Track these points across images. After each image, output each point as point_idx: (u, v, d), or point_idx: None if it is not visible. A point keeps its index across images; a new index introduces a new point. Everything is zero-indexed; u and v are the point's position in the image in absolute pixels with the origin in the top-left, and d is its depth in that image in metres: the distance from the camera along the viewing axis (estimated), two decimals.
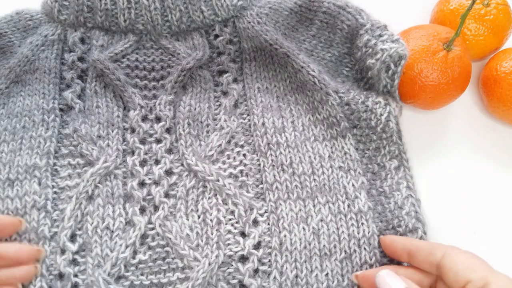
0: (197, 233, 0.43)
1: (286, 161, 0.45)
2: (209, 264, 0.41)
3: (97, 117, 0.47)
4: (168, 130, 0.47)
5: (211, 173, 0.45)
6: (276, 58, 0.49)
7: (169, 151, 0.47)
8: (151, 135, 0.47)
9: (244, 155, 0.46)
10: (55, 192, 0.44)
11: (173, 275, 0.42)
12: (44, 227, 0.43)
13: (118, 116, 0.47)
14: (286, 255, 0.42)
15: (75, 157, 0.46)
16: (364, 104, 0.46)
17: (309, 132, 0.47)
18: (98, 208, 0.43)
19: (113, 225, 0.43)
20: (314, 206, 0.44)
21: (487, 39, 0.49)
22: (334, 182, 0.44)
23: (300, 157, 0.45)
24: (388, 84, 0.46)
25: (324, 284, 0.41)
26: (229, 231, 0.43)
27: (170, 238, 0.42)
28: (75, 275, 0.41)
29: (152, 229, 0.43)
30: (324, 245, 0.42)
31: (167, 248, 0.43)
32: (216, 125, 0.48)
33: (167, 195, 0.45)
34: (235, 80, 0.50)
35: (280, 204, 0.44)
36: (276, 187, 0.44)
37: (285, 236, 0.43)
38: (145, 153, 0.46)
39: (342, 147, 0.46)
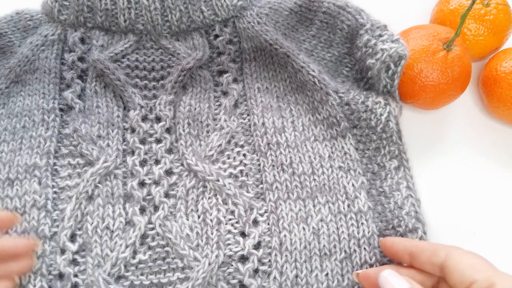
0: (197, 233, 0.43)
1: (286, 161, 0.45)
2: (209, 264, 0.41)
3: (97, 117, 0.47)
4: (168, 130, 0.47)
5: (211, 173, 0.45)
6: (276, 58, 0.49)
7: (169, 151, 0.47)
8: (151, 135, 0.47)
9: (244, 155, 0.46)
10: (55, 192, 0.44)
11: (173, 275, 0.42)
12: (45, 226, 0.43)
13: (118, 116, 0.47)
14: (286, 255, 0.42)
15: (75, 157, 0.46)
16: (364, 104, 0.46)
17: (309, 132, 0.47)
18: (98, 208, 0.43)
19: (113, 225, 0.43)
20: (314, 206, 0.44)
21: (487, 39, 0.49)
22: (334, 182, 0.44)
23: (300, 157, 0.45)
24: (388, 84, 0.46)
25: (324, 284, 0.41)
26: (229, 231, 0.43)
27: (170, 238, 0.42)
28: (75, 275, 0.41)
29: (152, 229, 0.43)
30: (324, 245, 0.42)
31: (167, 248, 0.43)
32: (216, 125, 0.48)
33: (167, 195, 0.45)
34: (235, 80, 0.50)
35: (280, 204, 0.44)
36: (276, 187, 0.44)
37: (285, 236, 0.43)
38: (145, 153, 0.46)
39: (342, 147, 0.46)
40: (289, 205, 0.44)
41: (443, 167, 0.48)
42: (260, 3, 0.50)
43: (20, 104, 0.47)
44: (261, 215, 0.44)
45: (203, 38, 0.50)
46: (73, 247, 0.42)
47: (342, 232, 0.43)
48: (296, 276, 0.42)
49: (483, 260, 0.35)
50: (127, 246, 0.42)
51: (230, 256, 0.42)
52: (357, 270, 0.42)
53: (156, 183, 0.45)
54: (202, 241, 0.43)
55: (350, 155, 0.46)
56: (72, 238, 0.43)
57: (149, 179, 0.45)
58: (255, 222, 0.44)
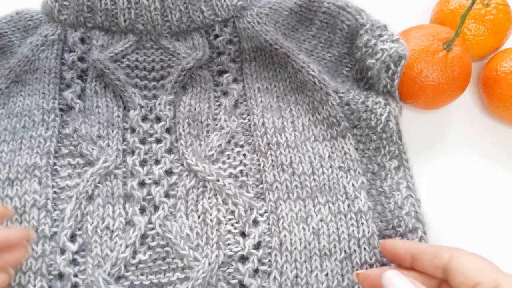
0: (197, 233, 0.43)
1: (286, 161, 0.45)
2: (209, 264, 0.41)
3: (97, 117, 0.47)
4: (168, 130, 0.47)
5: (211, 173, 0.45)
6: (276, 58, 0.49)
7: (169, 151, 0.47)
8: (151, 135, 0.47)
9: (244, 155, 0.46)
10: (55, 192, 0.44)
11: (173, 275, 0.42)
12: (45, 226, 0.43)
13: (118, 116, 0.47)
14: (286, 255, 0.42)
15: (75, 157, 0.46)
16: (364, 104, 0.46)
17: (309, 132, 0.47)
18: (98, 208, 0.43)
19: (113, 225, 0.43)
20: (314, 206, 0.44)
21: (487, 39, 0.49)
22: (334, 182, 0.44)
23: (300, 157, 0.45)
24: (388, 84, 0.46)
25: (324, 284, 0.41)
26: (229, 231, 0.43)
27: (170, 238, 0.42)
28: (75, 275, 0.41)
29: (152, 229, 0.43)
30: (324, 245, 0.42)
31: (167, 248, 0.43)
32: (216, 125, 0.48)
33: (167, 195, 0.45)
34: (235, 80, 0.50)
35: (280, 204, 0.44)
36: (276, 187, 0.44)
37: (285, 236, 0.43)
38: (145, 153, 0.46)
39: (342, 147, 0.46)
40: (289, 205, 0.44)
41: (443, 167, 0.48)
42: (260, 3, 0.50)
43: (20, 104, 0.47)
44: (261, 215, 0.44)
45: (203, 38, 0.50)
46: (73, 247, 0.42)
47: (342, 232, 0.43)
48: (296, 276, 0.42)
49: (487, 262, 0.34)
50: (127, 246, 0.42)
51: (230, 256, 0.42)
52: (357, 270, 0.41)
53: (156, 183, 0.45)
54: (202, 241, 0.43)
55: (350, 155, 0.46)
56: (72, 238, 0.43)
57: (149, 179, 0.45)
58: (255, 222, 0.44)
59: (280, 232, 0.43)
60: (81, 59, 0.49)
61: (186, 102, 0.48)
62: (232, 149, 0.47)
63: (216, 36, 0.50)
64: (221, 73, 0.50)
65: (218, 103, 0.49)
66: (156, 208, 0.44)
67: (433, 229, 0.44)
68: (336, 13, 0.48)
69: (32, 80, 0.48)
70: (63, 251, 0.42)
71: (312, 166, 0.45)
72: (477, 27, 0.49)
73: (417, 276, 0.37)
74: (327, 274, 0.42)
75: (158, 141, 0.47)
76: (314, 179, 0.45)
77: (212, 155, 0.46)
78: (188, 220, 0.44)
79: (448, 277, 0.35)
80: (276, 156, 0.45)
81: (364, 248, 0.42)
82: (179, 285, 0.41)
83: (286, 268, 0.42)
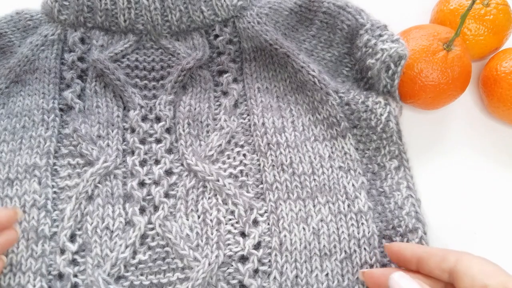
0: (197, 233, 0.43)
1: (286, 161, 0.45)
2: (209, 264, 0.41)
3: (97, 117, 0.47)
4: (168, 130, 0.47)
5: (211, 173, 0.45)
6: (276, 58, 0.49)
7: (169, 151, 0.47)
8: (151, 135, 0.47)
9: (244, 155, 0.46)
10: (54, 192, 0.44)
11: (173, 275, 0.42)
12: (44, 226, 0.42)
13: (118, 116, 0.47)
14: (286, 255, 0.42)
15: (75, 157, 0.46)
16: (364, 104, 0.46)
17: (309, 132, 0.47)
18: (98, 208, 0.43)
19: (113, 225, 0.43)
20: (314, 206, 0.44)
21: (487, 39, 0.49)
22: (334, 182, 0.44)
23: (300, 157, 0.45)
24: (388, 84, 0.45)
25: (324, 284, 0.41)
26: (229, 231, 0.43)
27: (170, 238, 0.42)
28: (75, 275, 0.41)
29: (152, 229, 0.43)
30: (324, 245, 0.42)
31: (167, 248, 0.43)
32: (216, 125, 0.48)
33: (167, 195, 0.45)
34: (235, 80, 0.50)
35: (280, 204, 0.44)
36: (276, 187, 0.44)
37: (285, 236, 0.43)
38: (145, 153, 0.46)
39: (342, 147, 0.46)
40: (289, 205, 0.44)
41: (443, 167, 0.48)
42: (260, 3, 0.50)
43: (20, 104, 0.47)
44: (261, 215, 0.44)
45: (203, 38, 0.50)
46: (73, 247, 0.42)
47: (342, 232, 0.43)
48: (296, 276, 0.42)
49: (494, 266, 0.34)
50: (127, 246, 0.42)
51: (230, 256, 0.42)
52: (357, 270, 0.41)
53: (156, 183, 0.45)
54: (202, 241, 0.43)
55: (350, 155, 0.46)
56: (72, 238, 0.43)
57: (149, 179, 0.45)
58: (255, 222, 0.43)
59: (280, 232, 0.43)
60: (81, 59, 0.49)
61: (186, 102, 0.48)
62: (232, 149, 0.47)
63: (216, 36, 0.50)
64: (221, 73, 0.50)
65: (218, 103, 0.49)
66: (156, 208, 0.44)
67: (433, 229, 0.44)
68: (336, 13, 0.48)
69: (32, 80, 0.48)
70: (62, 251, 0.42)
71: (312, 166, 0.45)
72: (477, 27, 0.49)
73: (423, 279, 0.37)
74: (327, 274, 0.42)
75: (158, 141, 0.47)
76: (314, 179, 0.45)
77: (212, 155, 0.46)
78: (188, 220, 0.44)
79: (454, 281, 0.34)
80: (276, 156, 0.45)
81: (364, 248, 0.42)
82: (179, 285, 0.41)
83: (286, 268, 0.42)
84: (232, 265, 0.42)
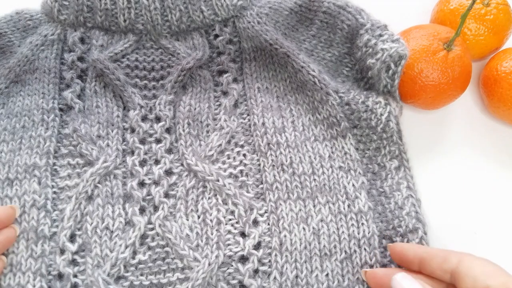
0: (197, 233, 0.43)
1: (286, 161, 0.45)
2: (209, 264, 0.41)
3: (97, 117, 0.47)
4: (168, 130, 0.47)
5: (211, 173, 0.44)
6: (276, 58, 0.49)
7: (169, 151, 0.47)
8: (151, 135, 0.47)
9: (244, 155, 0.46)
10: (54, 192, 0.44)
11: (173, 275, 0.42)
12: (44, 226, 0.42)
13: (118, 116, 0.47)
14: (286, 256, 0.42)
15: (75, 157, 0.46)
16: (364, 104, 0.46)
17: (309, 132, 0.47)
18: (98, 208, 0.43)
19: (113, 225, 0.43)
20: (314, 206, 0.44)
21: (487, 39, 0.49)
22: (334, 182, 0.44)
23: (300, 157, 0.45)
24: (388, 84, 0.45)
25: (324, 284, 0.41)
26: (229, 231, 0.43)
27: (170, 238, 0.42)
28: (75, 276, 0.41)
29: (152, 229, 0.43)
30: (324, 246, 0.42)
31: (167, 249, 0.43)
32: (216, 125, 0.48)
33: (167, 195, 0.45)
34: (235, 80, 0.50)
35: (280, 204, 0.44)
36: (276, 187, 0.44)
37: (285, 236, 0.43)
38: (145, 153, 0.46)
39: (342, 147, 0.46)
40: (289, 205, 0.44)
41: (443, 167, 0.48)
42: (260, 3, 0.50)
43: (20, 104, 0.47)
44: (261, 215, 0.44)
45: (203, 38, 0.49)
46: (73, 247, 0.42)
47: (343, 232, 0.43)
48: (296, 277, 0.42)
49: (496, 266, 0.34)
50: (126, 247, 0.42)
51: (230, 257, 0.42)
52: (357, 270, 0.41)
53: (156, 183, 0.45)
54: (202, 242, 0.43)
55: (351, 155, 0.46)
56: (72, 238, 0.43)
57: (149, 179, 0.45)
58: (255, 222, 0.43)
59: (280, 233, 0.43)
60: (80, 59, 0.49)
61: (186, 102, 0.48)
62: (232, 149, 0.47)
63: (216, 36, 0.50)
64: (221, 73, 0.50)
65: (218, 103, 0.49)
66: (156, 208, 0.44)
67: (434, 229, 0.44)
68: (336, 13, 0.48)
69: (32, 80, 0.48)
70: (62, 251, 0.42)
71: (312, 166, 0.45)
72: (477, 27, 0.49)
73: (425, 280, 0.37)
74: (327, 275, 0.42)
75: (158, 141, 0.47)
76: (314, 179, 0.44)
77: (212, 155, 0.46)
78: (188, 220, 0.44)
79: (456, 281, 0.34)
80: (276, 156, 0.45)
81: (365, 249, 0.42)
82: (179, 286, 0.41)
83: (286, 268, 0.42)
84: (232, 265, 0.42)
